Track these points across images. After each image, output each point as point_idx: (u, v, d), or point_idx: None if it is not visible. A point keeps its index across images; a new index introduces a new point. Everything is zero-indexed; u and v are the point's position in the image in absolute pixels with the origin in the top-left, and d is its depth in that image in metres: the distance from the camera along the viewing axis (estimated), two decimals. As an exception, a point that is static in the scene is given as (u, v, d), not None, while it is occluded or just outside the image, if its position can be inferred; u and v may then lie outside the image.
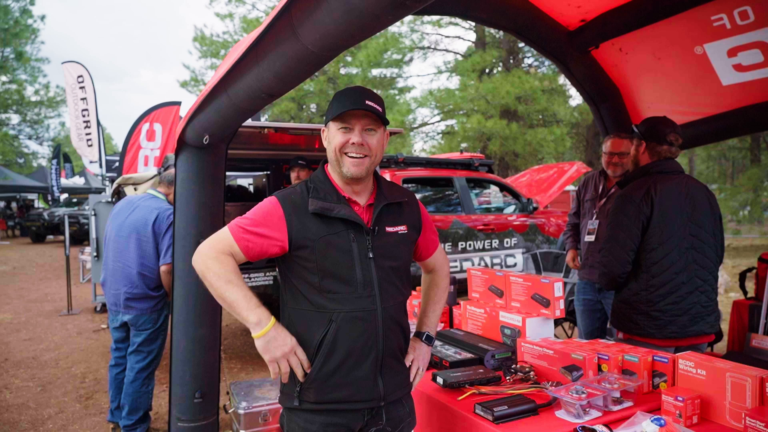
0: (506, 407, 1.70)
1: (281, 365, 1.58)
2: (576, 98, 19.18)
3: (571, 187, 17.97)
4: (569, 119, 18.19)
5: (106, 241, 3.72)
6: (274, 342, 1.58)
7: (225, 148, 3.02)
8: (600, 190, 3.80)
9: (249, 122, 5.35)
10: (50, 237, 21.11)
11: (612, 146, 3.65)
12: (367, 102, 1.61)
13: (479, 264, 6.33)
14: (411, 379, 1.81)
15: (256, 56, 1.98)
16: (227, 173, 4.57)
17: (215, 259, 1.60)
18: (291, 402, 1.67)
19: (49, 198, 21.99)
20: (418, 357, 1.86)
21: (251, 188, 8.02)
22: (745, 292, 3.85)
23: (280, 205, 1.65)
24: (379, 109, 1.63)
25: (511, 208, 7.14)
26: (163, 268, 3.50)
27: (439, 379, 1.97)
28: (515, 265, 6.62)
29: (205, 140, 2.78)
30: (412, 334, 1.90)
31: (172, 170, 3.71)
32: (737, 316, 3.57)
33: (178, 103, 8.33)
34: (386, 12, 1.48)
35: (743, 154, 20.66)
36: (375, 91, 1.74)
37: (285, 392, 1.71)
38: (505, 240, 6.65)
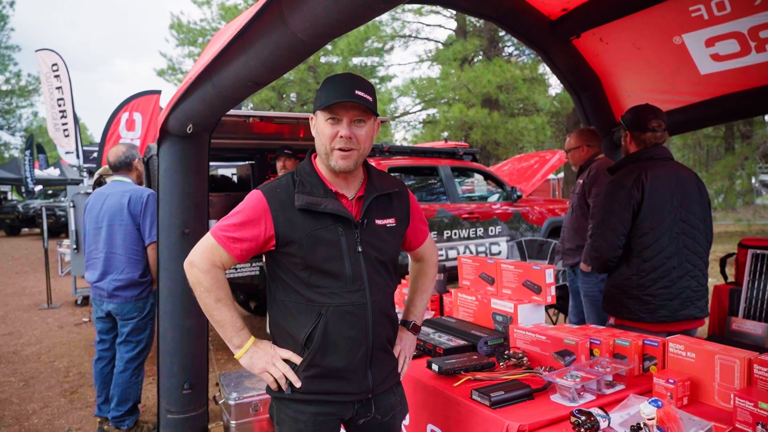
0: (502, 392, 1.72)
1: (272, 372, 1.63)
2: (555, 87, 19.32)
3: (552, 176, 18.16)
4: (549, 108, 18.32)
5: (85, 235, 3.67)
6: (256, 355, 1.64)
7: (208, 136, 2.98)
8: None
9: (233, 111, 5.29)
10: (25, 230, 20.68)
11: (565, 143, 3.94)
12: (356, 92, 1.55)
13: (464, 252, 6.37)
14: (399, 369, 1.81)
15: (243, 44, 1.95)
16: (210, 163, 4.52)
17: (206, 273, 1.60)
18: (280, 391, 1.66)
19: (23, 190, 21.48)
20: (405, 347, 1.86)
21: (235, 178, 7.94)
22: (725, 277, 3.94)
23: (266, 200, 1.60)
24: (369, 99, 1.58)
25: (495, 197, 7.19)
26: (150, 247, 3.48)
27: (434, 366, 1.99)
28: (500, 253, 6.68)
29: (189, 129, 2.74)
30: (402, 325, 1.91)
31: (119, 150, 3.66)
32: (717, 300, 3.66)
33: (159, 92, 8.17)
34: (378, 0, 1.47)
35: (718, 142, 21.07)
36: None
37: None
38: (490, 228, 6.69)
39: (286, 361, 1.65)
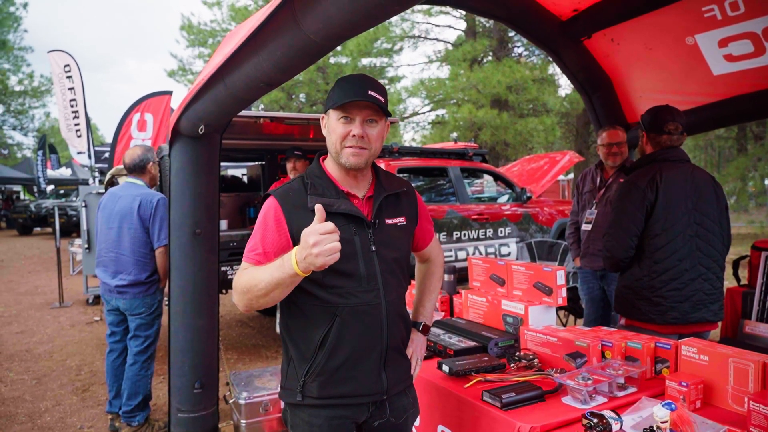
0: (514, 394, 1.72)
1: (327, 247, 1.36)
2: (565, 88, 19.25)
3: (561, 177, 18.06)
4: (559, 109, 18.24)
5: (97, 234, 3.77)
6: (299, 252, 1.39)
7: (220, 137, 3.00)
8: (598, 181, 3.90)
9: (243, 112, 5.33)
10: (37, 229, 20.86)
11: (609, 137, 3.77)
12: (369, 92, 1.56)
13: (473, 253, 6.35)
14: (411, 371, 1.81)
15: (256, 45, 1.96)
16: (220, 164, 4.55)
17: (243, 278, 1.53)
18: (293, 398, 1.65)
19: (36, 189, 21.69)
20: (416, 348, 1.86)
21: (245, 178, 7.98)
22: (738, 280, 3.91)
23: (279, 204, 1.61)
24: (382, 99, 1.59)
25: (505, 198, 7.17)
26: (158, 251, 3.56)
27: (445, 368, 1.99)
28: (509, 254, 6.66)
29: (201, 130, 2.76)
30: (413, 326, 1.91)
31: (135, 152, 3.71)
32: (730, 303, 3.62)
33: (170, 93, 8.21)
34: (392, 1, 1.48)
35: (730, 143, 20.88)
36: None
37: (287, 388, 1.69)
38: (499, 229, 6.68)
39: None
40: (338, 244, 1.38)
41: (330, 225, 1.39)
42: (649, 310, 2.63)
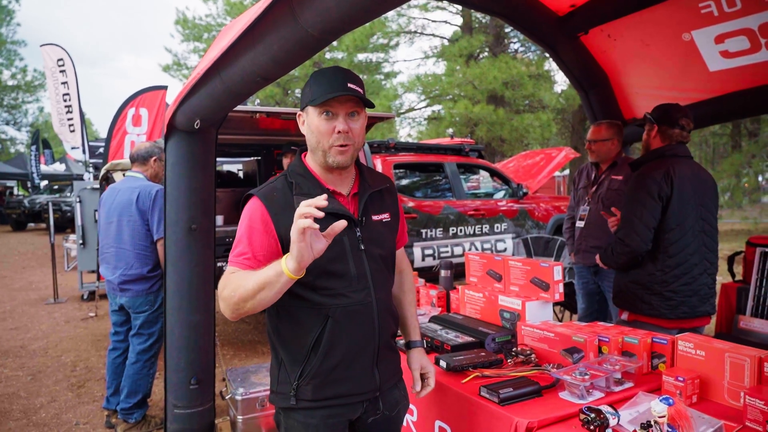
0: (511, 389, 1.72)
1: (303, 225, 1.29)
2: (561, 84, 19.28)
3: (557, 173, 18.10)
4: (555, 105, 18.27)
5: (99, 230, 3.75)
6: (290, 253, 1.33)
7: (215, 132, 2.99)
8: (592, 177, 3.89)
9: (239, 107, 5.29)
10: (31, 225, 20.77)
11: (590, 133, 3.80)
12: (349, 85, 1.52)
13: (469, 249, 6.36)
14: (418, 388, 1.81)
15: (253, 39, 1.95)
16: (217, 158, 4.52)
17: (230, 280, 1.46)
18: (286, 401, 1.62)
19: (29, 185, 21.58)
20: (428, 366, 1.85)
21: (241, 174, 7.95)
22: (733, 275, 3.93)
23: (265, 206, 1.56)
24: (361, 91, 1.56)
25: (501, 194, 7.18)
26: (159, 243, 3.52)
27: (442, 363, 1.99)
28: (505, 250, 6.67)
29: (196, 125, 2.74)
30: (411, 346, 1.89)
31: (142, 144, 3.72)
32: (725, 298, 3.65)
33: (165, 88, 8.14)
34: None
35: (725, 140, 20.99)
36: (360, 76, 1.65)
37: (279, 392, 1.66)
38: (496, 225, 6.69)
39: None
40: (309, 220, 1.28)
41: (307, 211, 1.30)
42: (660, 305, 2.70)
